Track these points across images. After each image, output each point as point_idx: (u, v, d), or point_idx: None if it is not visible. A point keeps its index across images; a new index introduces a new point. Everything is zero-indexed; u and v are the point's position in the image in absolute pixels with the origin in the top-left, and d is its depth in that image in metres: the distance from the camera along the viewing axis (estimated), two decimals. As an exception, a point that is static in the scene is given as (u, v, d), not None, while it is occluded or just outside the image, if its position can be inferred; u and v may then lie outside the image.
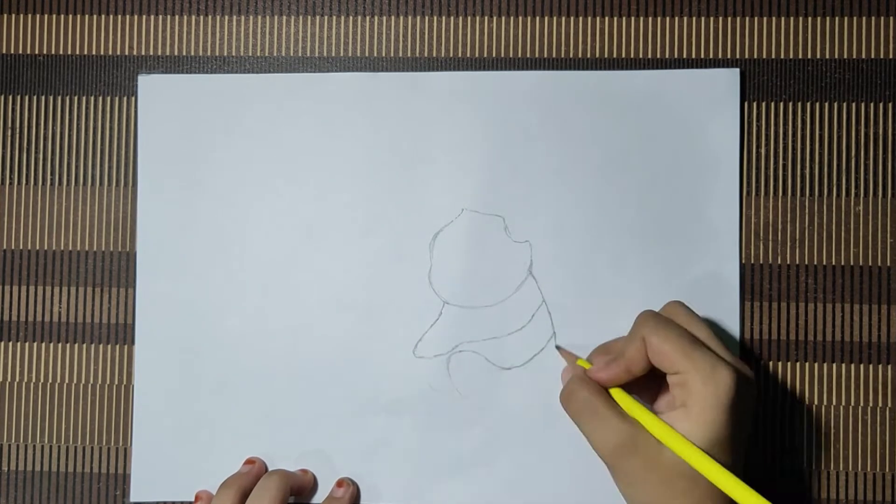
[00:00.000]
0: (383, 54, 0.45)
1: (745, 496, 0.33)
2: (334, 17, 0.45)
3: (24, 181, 0.45)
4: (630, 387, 0.39)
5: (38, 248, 0.45)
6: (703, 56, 0.44)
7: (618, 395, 0.38)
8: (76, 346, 0.45)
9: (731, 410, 0.35)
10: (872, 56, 0.44)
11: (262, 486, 0.41)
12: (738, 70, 0.43)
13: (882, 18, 0.44)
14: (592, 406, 0.37)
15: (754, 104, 0.44)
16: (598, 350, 0.41)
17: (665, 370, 0.37)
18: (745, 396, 0.36)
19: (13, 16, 0.45)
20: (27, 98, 0.45)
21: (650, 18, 0.44)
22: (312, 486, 0.43)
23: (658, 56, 0.44)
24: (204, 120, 0.44)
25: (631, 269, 0.43)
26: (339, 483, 0.43)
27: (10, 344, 0.45)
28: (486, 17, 0.45)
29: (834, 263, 0.43)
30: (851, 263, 0.43)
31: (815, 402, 0.43)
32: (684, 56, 0.44)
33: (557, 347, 0.43)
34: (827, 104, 0.44)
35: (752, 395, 0.37)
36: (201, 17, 0.45)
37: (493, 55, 0.44)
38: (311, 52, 0.45)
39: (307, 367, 0.44)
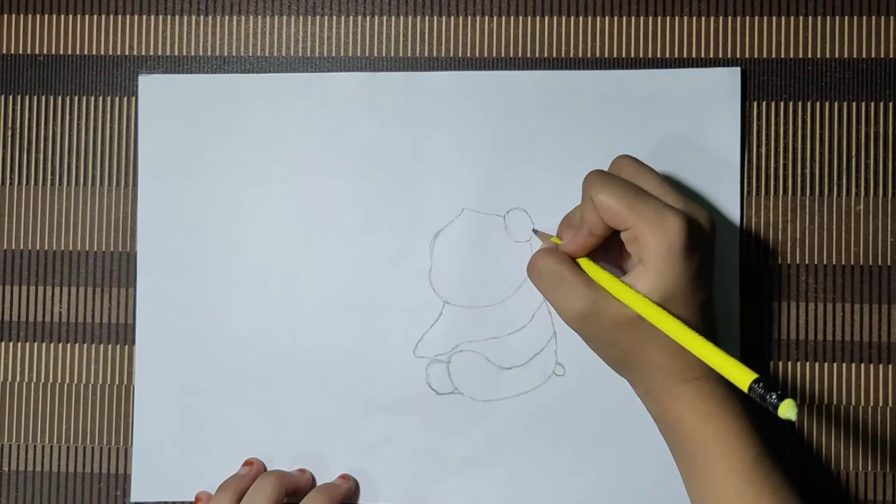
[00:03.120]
0: (383, 54, 0.45)
1: (701, 349, 0.33)
2: (334, 17, 0.45)
3: (24, 181, 0.45)
4: (603, 255, 0.39)
5: (38, 248, 0.45)
6: (703, 56, 0.44)
7: (585, 264, 0.38)
8: (76, 346, 0.45)
9: (684, 256, 0.35)
10: (872, 56, 0.44)
11: (256, 487, 0.41)
12: (738, 69, 0.43)
13: (882, 18, 0.44)
14: (557, 275, 0.37)
15: (755, 104, 0.44)
16: (562, 224, 0.41)
17: (616, 227, 0.36)
18: (698, 241, 0.36)
19: (13, 16, 0.45)
20: (27, 98, 0.45)
21: (650, 18, 0.44)
22: (310, 487, 0.43)
23: (658, 56, 0.44)
24: (204, 120, 0.44)
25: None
26: (342, 477, 0.43)
27: (10, 344, 0.45)
28: (486, 17, 0.44)
29: (834, 263, 0.43)
30: (851, 263, 0.43)
31: (816, 402, 0.43)
32: (685, 56, 0.44)
33: (535, 231, 0.43)
34: (827, 104, 0.44)
35: (709, 238, 0.37)
36: (201, 17, 0.45)
37: (493, 55, 0.44)
38: (311, 52, 0.45)
39: (307, 367, 0.44)
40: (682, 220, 0.35)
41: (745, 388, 0.32)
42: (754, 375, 0.32)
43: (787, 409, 0.30)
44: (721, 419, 0.36)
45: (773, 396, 0.31)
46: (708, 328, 0.37)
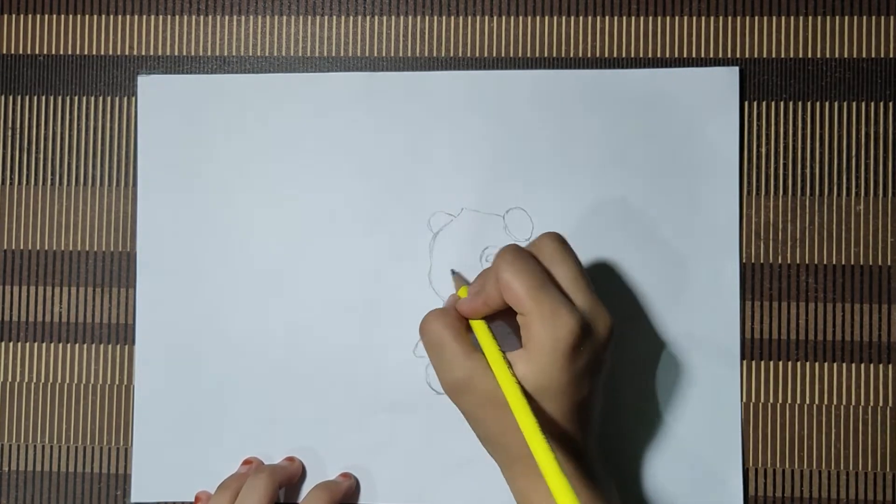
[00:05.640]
0: (383, 54, 0.45)
1: (541, 457, 0.32)
2: (334, 17, 0.45)
3: (24, 181, 0.45)
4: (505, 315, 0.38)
5: (38, 248, 0.45)
6: (702, 55, 0.44)
7: (478, 327, 0.37)
8: (76, 346, 0.45)
9: (568, 357, 0.34)
10: (872, 56, 0.44)
11: (249, 485, 0.40)
12: (737, 69, 0.43)
13: (882, 18, 0.44)
14: (441, 340, 0.36)
15: (754, 103, 0.44)
16: (479, 275, 0.40)
17: (514, 308, 0.36)
18: (588, 344, 0.35)
19: (13, 16, 0.45)
20: (27, 98, 0.45)
21: (650, 18, 0.44)
22: (301, 475, 0.43)
23: (658, 55, 0.44)
24: (204, 120, 0.44)
25: (631, 268, 0.43)
26: (343, 475, 0.43)
27: (10, 344, 0.45)
28: (486, 17, 0.45)
29: (834, 263, 0.43)
30: (851, 263, 0.43)
31: (816, 402, 0.43)
32: (684, 55, 0.44)
33: (452, 272, 0.42)
34: (827, 104, 0.44)
35: (603, 343, 0.36)
36: (201, 17, 0.45)
37: (493, 55, 0.44)
38: (311, 52, 0.45)
39: (307, 367, 0.44)
40: (575, 321, 0.34)
41: None
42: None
43: None
44: None
45: None
46: (579, 428, 0.36)
